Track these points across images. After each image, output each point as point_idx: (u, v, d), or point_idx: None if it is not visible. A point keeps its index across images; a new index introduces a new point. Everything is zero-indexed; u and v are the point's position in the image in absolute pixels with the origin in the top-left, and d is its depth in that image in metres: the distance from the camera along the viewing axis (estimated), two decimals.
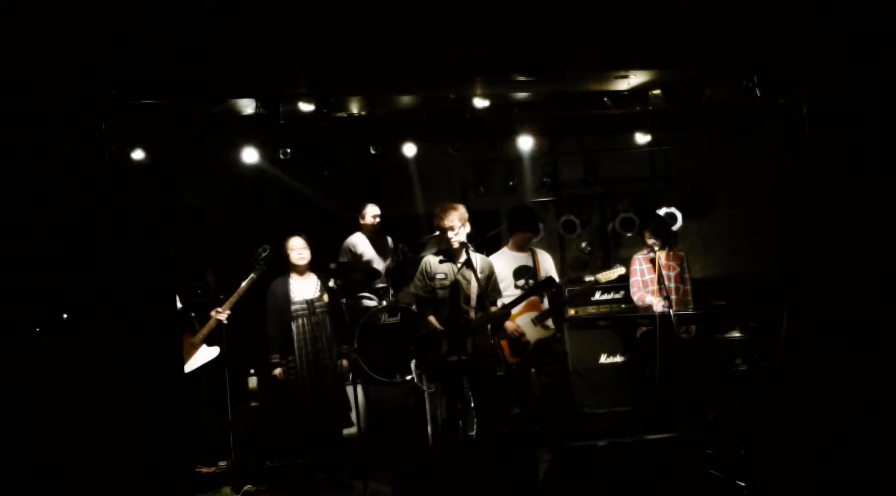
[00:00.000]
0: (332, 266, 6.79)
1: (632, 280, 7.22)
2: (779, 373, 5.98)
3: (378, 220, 8.12)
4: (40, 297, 5.62)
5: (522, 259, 6.54)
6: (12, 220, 5.28)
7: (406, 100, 7.62)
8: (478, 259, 6.00)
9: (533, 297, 6.40)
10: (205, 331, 6.75)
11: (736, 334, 7.37)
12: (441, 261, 5.95)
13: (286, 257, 6.57)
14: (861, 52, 5.66)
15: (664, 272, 6.86)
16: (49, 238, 6.05)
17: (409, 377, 6.96)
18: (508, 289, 6.44)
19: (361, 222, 8.15)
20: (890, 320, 5.44)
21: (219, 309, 6.75)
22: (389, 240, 8.21)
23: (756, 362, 7.03)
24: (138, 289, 5.10)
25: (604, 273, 6.96)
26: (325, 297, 6.49)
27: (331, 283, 6.47)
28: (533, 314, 6.45)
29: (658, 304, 6.95)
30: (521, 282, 6.42)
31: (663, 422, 6.27)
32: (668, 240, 7.06)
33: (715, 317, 7.34)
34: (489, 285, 6.00)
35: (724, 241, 8.80)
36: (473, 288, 5.87)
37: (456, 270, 5.90)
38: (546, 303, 6.57)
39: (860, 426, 4.58)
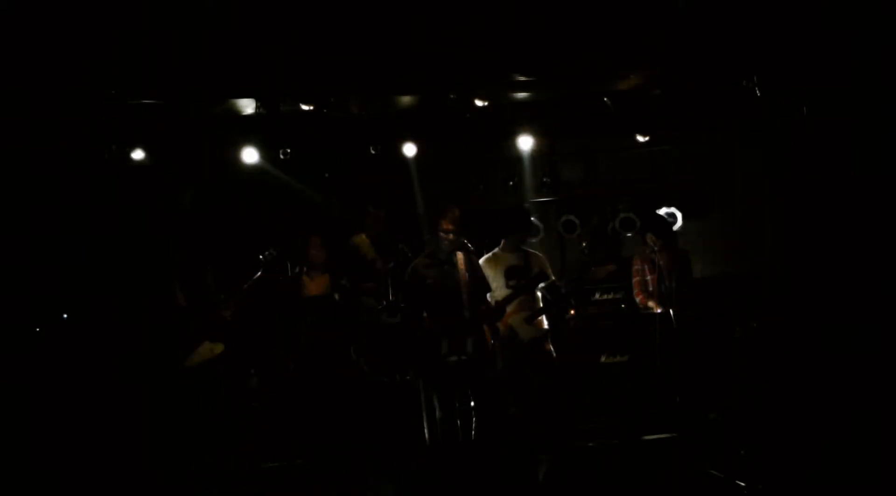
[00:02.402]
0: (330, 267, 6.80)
1: (634, 280, 7.21)
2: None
3: (383, 221, 8.14)
4: (40, 297, 5.63)
5: (514, 259, 6.53)
6: (12, 220, 5.28)
7: (406, 100, 7.62)
8: (469, 258, 6.00)
9: (526, 297, 6.37)
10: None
11: (736, 334, 7.36)
12: (431, 263, 5.95)
13: (305, 255, 6.56)
14: (861, 52, 5.66)
15: (665, 272, 6.86)
16: (49, 238, 6.06)
17: (408, 377, 6.96)
18: (500, 290, 6.43)
19: (367, 223, 8.16)
20: (890, 320, 5.44)
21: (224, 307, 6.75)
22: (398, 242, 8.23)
23: (756, 362, 7.02)
24: (138, 289, 5.10)
25: (595, 268, 6.92)
26: (336, 296, 6.50)
27: (343, 282, 6.49)
28: (526, 313, 6.43)
29: (657, 306, 6.94)
30: (512, 282, 6.41)
31: (663, 422, 6.27)
32: (668, 240, 7.05)
33: (715, 317, 7.34)
34: (479, 284, 6.00)
35: (724, 240, 8.79)
36: (465, 287, 5.87)
37: (447, 270, 5.90)
38: (540, 302, 6.56)
39: (860, 426, 4.58)
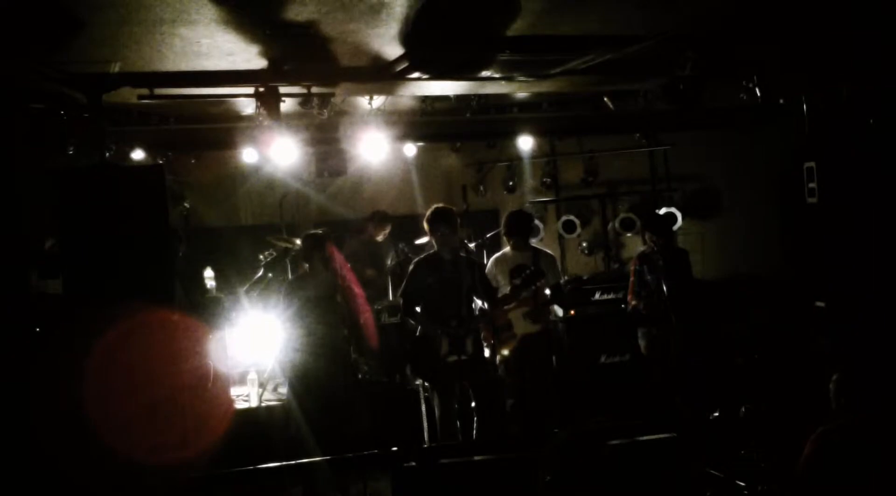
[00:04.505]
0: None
1: (630, 281, 7.19)
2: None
3: (385, 232, 8.21)
4: (40, 297, 5.63)
5: (522, 258, 6.54)
6: (13, 220, 5.27)
7: (408, 99, 7.63)
8: (469, 259, 6.02)
9: (528, 294, 6.37)
10: None
11: (736, 334, 7.37)
12: (430, 264, 5.98)
13: (319, 257, 6.49)
14: (861, 52, 5.66)
15: (665, 272, 6.84)
16: (49, 238, 6.06)
17: (408, 377, 6.96)
18: (506, 288, 6.44)
19: (367, 231, 8.22)
20: (890, 320, 5.44)
21: None
22: (393, 250, 8.27)
23: (756, 362, 7.03)
24: (138, 290, 5.08)
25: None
26: (339, 298, 6.48)
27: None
28: (525, 309, 6.44)
29: (644, 311, 6.92)
30: (517, 281, 6.42)
31: (663, 422, 6.26)
32: (668, 239, 7.05)
33: (716, 317, 7.34)
34: (483, 285, 6.01)
35: (724, 240, 8.80)
36: (466, 287, 5.89)
37: (449, 271, 5.92)
38: (542, 299, 6.56)
39: (860, 426, 4.57)
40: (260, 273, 7.62)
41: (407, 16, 4.67)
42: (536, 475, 4.92)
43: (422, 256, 6.20)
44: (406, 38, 5.12)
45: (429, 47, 5.30)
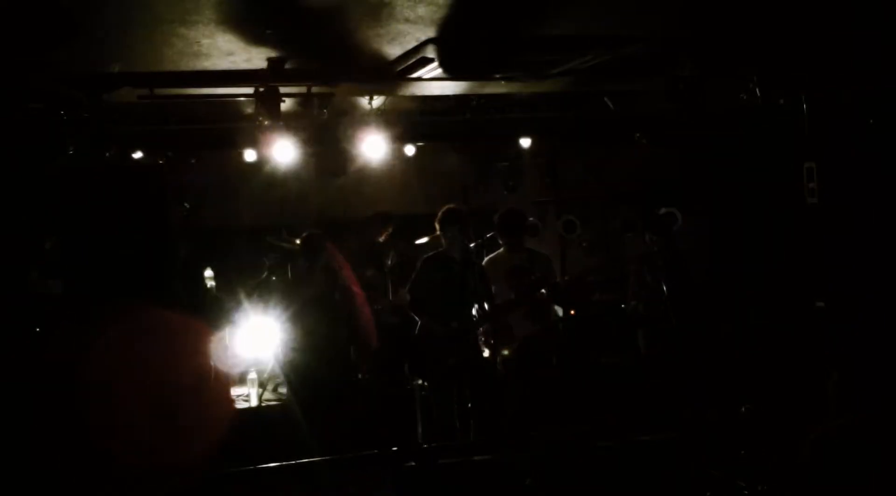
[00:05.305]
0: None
1: (630, 280, 7.19)
2: None
3: (388, 233, 8.22)
4: (40, 297, 5.62)
5: (517, 259, 6.54)
6: (13, 220, 5.27)
7: (407, 100, 7.62)
8: (473, 259, 6.04)
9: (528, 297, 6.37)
10: None
11: (734, 334, 7.37)
12: (440, 262, 5.99)
13: (319, 257, 6.51)
14: (861, 52, 5.65)
15: (665, 272, 6.85)
16: (49, 238, 6.05)
17: (407, 377, 6.96)
18: (502, 290, 6.44)
19: (368, 232, 8.22)
20: (890, 320, 5.44)
21: None
22: (393, 250, 8.29)
23: (756, 362, 7.03)
24: (139, 290, 5.09)
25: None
26: (338, 298, 6.50)
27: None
28: (525, 310, 6.44)
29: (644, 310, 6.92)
30: (513, 282, 6.42)
31: (663, 422, 6.27)
32: (668, 240, 7.05)
33: (716, 317, 7.33)
34: (484, 286, 6.03)
35: (724, 240, 8.79)
36: (470, 288, 5.90)
37: (455, 271, 5.93)
38: (541, 299, 6.56)
39: (860, 426, 4.59)
40: (264, 275, 7.64)
41: (438, 14, 4.63)
42: (535, 475, 4.93)
43: (430, 254, 6.22)
44: (439, 34, 5.08)
45: (462, 46, 5.27)
